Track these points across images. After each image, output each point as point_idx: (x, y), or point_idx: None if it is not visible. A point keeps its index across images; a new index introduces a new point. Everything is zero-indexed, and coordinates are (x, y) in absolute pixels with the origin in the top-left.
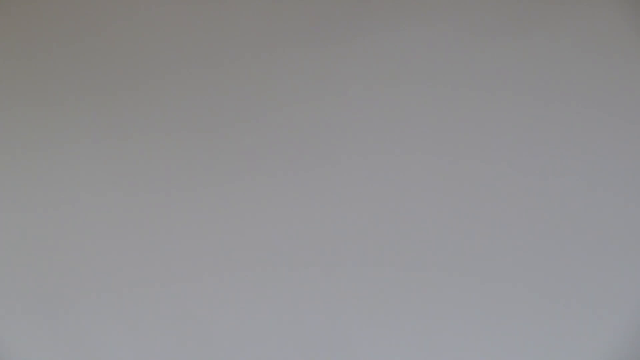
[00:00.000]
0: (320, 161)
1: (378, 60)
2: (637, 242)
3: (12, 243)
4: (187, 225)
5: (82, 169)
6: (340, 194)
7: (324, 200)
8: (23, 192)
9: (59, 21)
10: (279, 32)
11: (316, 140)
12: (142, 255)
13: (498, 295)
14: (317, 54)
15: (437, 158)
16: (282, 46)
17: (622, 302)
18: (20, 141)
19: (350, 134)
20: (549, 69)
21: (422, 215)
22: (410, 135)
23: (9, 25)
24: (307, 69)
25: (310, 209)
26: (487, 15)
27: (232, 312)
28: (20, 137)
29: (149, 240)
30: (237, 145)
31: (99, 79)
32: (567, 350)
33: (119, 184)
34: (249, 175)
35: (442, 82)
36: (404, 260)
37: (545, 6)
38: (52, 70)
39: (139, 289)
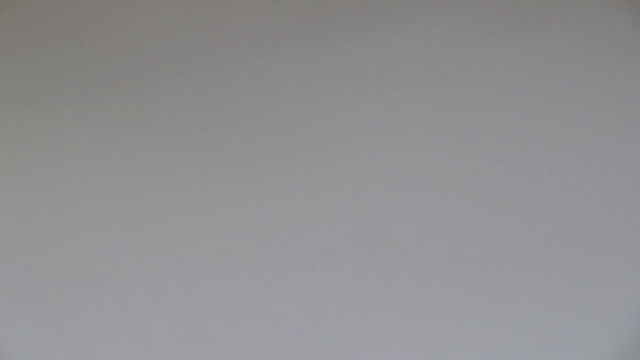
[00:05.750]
0: (320, 161)
1: (378, 60)
2: (637, 242)
3: (13, 243)
4: (186, 227)
5: (82, 170)
6: (340, 194)
7: (324, 201)
8: (24, 193)
9: (60, 21)
10: (279, 32)
11: (316, 140)
12: (142, 255)
13: (498, 295)
14: (317, 54)
15: (437, 158)
16: (282, 46)
17: (622, 302)
18: (21, 142)
19: (350, 134)
20: (549, 69)
21: (422, 215)
22: (410, 135)
23: (10, 26)
24: (307, 69)
25: (310, 210)
26: (487, 15)
27: (232, 312)
28: (21, 138)
29: (149, 241)
30: (238, 145)
31: (100, 79)
32: (568, 349)
33: (119, 185)
34: (249, 175)
35: (442, 82)
36: (404, 260)
37: (545, 6)
38: (53, 70)
39: (139, 289)
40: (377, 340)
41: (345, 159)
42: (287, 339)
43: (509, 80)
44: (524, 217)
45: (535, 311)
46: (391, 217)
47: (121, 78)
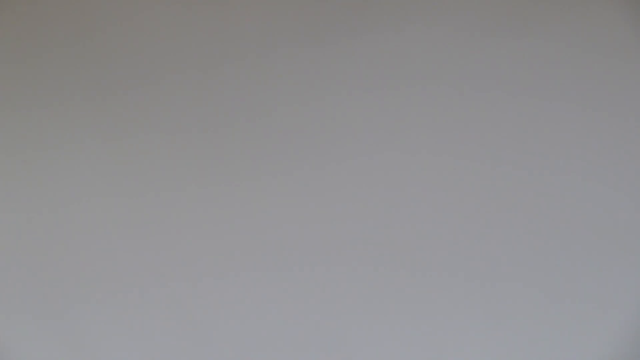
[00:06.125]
0: (320, 161)
1: (378, 60)
2: (637, 242)
3: (13, 243)
4: (186, 227)
5: (82, 170)
6: (340, 194)
7: (324, 201)
8: (24, 193)
9: (60, 21)
10: (279, 32)
11: (316, 140)
12: (143, 255)
13: (498, 294)
14: (317, 54)
15: (437, 158)
16: (283, 46)
17: (622, 302)
18: (21, 142)
19: (350, 133)
20: (549, 69)
21: (422, 215)
22: (410, 135)
23: (10, 26)
24: (307, 69)
25: (310, 210)
26: (487, 15)
27: (232, 312)
28: (21, 138)
29: (149, 240)
30: (238, 145)
31: (100, 79)
32: (568, 349)
33: (119, 185)
34: (249, 175)
35: (442, 82)
36: (405, 260)
37: (545, 6)
38: (53, 70)
39: (139, 289)
40: (377, 340)
41: (346, 158)
42: (287, 339)
43: (509, 80)
44: (524, 217)
45: (535, 311)
46: (391, 217)
47: (121, 78)
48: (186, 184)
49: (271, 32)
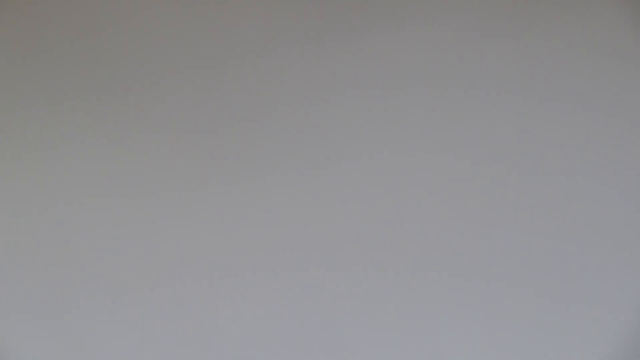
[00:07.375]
0: (320, 162)
1: (378, 60)
2: (637, 242)
3: (13, 243)
4: (187, 227)
5: (82, 170)
6: (340, 194)
7: (323, 201)
8: (24, 193)
9: (60, 21)
10: (279, 32)
11: (316, 140)
12: (143, 256)
13: (498, 295)
14: (317, 54)
15: (437, 158)
16: (282, 46)
17: (622, 302)
18: (21, 141)
19: (350, 134)
20: (549, 69)
21: (422, 215)
22: (410, 135)
23: (10, 26)
24: (307, 69)
25: (310, 210)
26: (487, 15)
27: (232, 313)
28: (21, 138)
29: (149, 241)
30: (238, 145)
31: (100, 79)
32: (568, 350)
33: (120, 185)
34: (249, 175)
35: (442, 82)
36: (405, 261)
37: (545, 6)
38: (53, 70)
39: (139, 289)
40: (377, 340)
41: (346, 159)
42: (287, 340)
43: (509, 80)
44: (524, 218)
45: (535, 311)
46: (391, 218)
47: (121, 78)
48: (186, 183)
49: (271, 32)
